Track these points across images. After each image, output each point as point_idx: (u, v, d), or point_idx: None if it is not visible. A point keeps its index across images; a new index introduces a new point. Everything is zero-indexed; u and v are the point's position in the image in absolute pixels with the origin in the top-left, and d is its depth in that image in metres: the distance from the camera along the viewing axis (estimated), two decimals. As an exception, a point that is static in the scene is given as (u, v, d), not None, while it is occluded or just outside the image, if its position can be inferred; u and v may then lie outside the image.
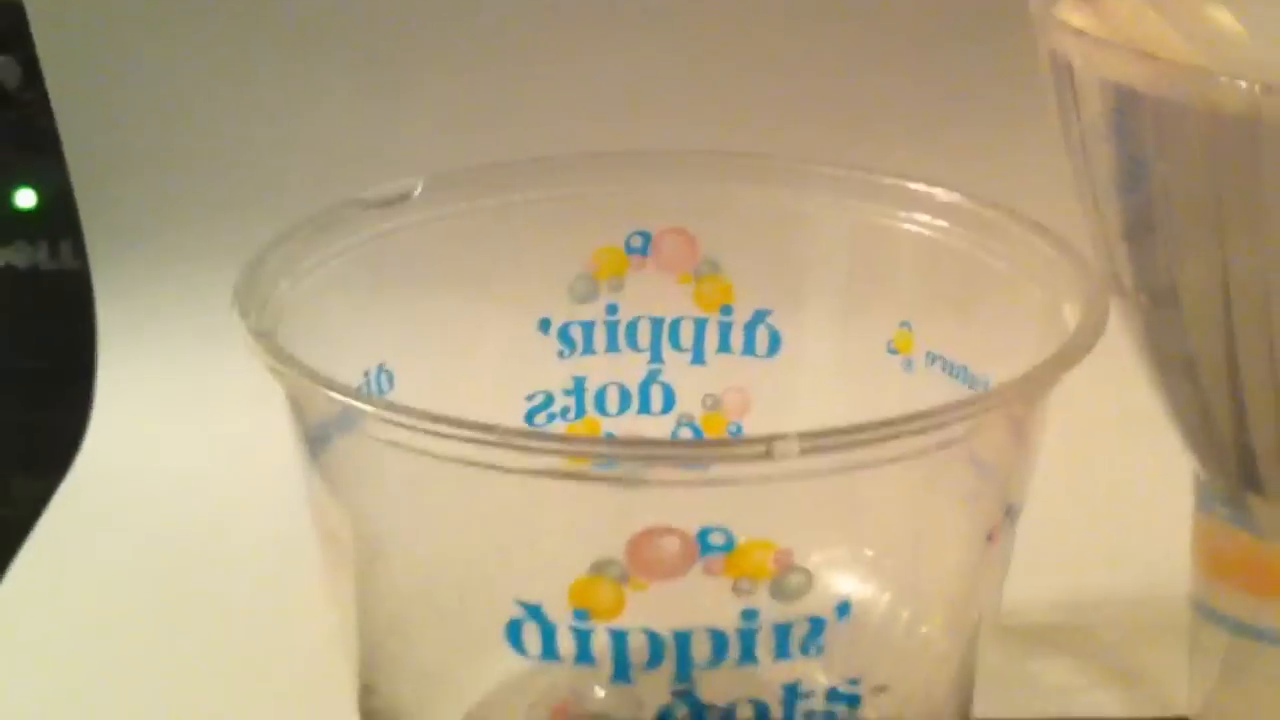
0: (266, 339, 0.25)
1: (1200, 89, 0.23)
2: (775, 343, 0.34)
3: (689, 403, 0.34)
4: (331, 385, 0.23)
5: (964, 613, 0.27)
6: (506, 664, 0.24)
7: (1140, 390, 0.29)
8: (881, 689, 0.26)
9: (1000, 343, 0.28)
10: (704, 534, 0.23)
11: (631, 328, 0.34)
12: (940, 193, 0.31)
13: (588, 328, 0.34)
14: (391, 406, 0.24)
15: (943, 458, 0.24)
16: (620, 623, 0.23)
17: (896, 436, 0.22)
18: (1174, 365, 0.26)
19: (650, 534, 0.23)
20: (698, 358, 0.34)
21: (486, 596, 0.24)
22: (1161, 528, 0.32)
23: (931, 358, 0.31)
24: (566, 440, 0.22)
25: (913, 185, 0.31)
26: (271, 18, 0.45)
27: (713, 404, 0.34)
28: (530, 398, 0.34)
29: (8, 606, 0.37)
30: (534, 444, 0.22)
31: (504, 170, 0.33)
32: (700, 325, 0.34)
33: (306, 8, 0.45)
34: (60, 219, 0.46)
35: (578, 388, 0.34)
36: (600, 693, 0.24)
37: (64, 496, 0.41)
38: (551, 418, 0.34)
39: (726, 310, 0.34)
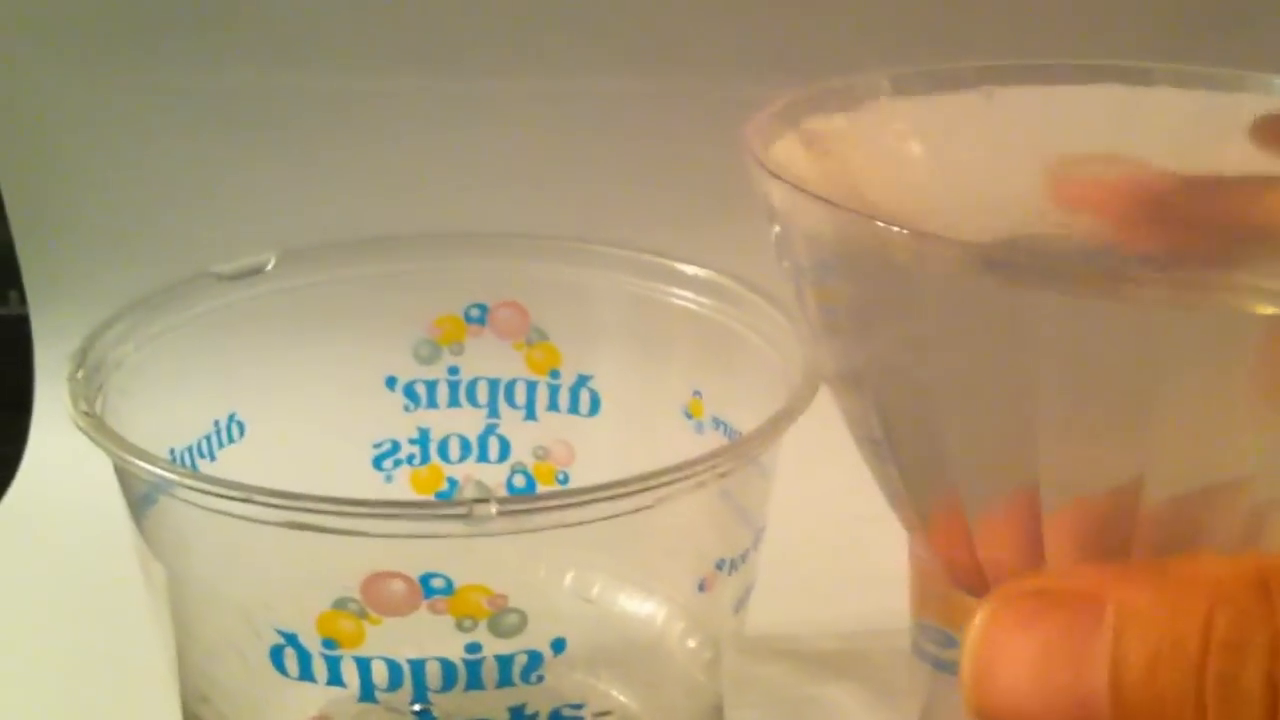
0: (91, 417, 0.29)
1: (866, 231, 0.22)
2: (595, 404, 0.38)
3: (522, 453, 0.38)
4: (142, 458, 0.27)
5: (689, 648, 0.31)
6: (277, 684, 0.28)
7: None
8: (605, 714, 0.29)
9: (756, 402, 0.31)
10: (426, 578, 0.27)
11: (471, 387, 0.38)
12: (694, 269, 0.35)
13: (431, 385, 0.38)
14: (192, 474, 0.28)
15: (631, 522, 0.27)
16: (363, 651, 0.27)
17: (579, 505, 0.26)
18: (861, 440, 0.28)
19: (378, 577, 0.27)
20: (530, 414, 0.38)
21: (255, 626, 0.28)
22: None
23: (716, 421, 0.35)
24: (298, 498, 0.25)
25: (678, 264, 0.35)
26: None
27: (543, 454, 0.38)
28: (377, 445, 0.38)
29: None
30: (279, 501, 0.26)
31: (353, 246, 0.37)
32: (531, 386, 0.38)
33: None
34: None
35: (422, 438, 0.38)
36: (350, 711, 0.28)
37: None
38: (398, 463, 0.38)
39: (554, 374, 0.38)
